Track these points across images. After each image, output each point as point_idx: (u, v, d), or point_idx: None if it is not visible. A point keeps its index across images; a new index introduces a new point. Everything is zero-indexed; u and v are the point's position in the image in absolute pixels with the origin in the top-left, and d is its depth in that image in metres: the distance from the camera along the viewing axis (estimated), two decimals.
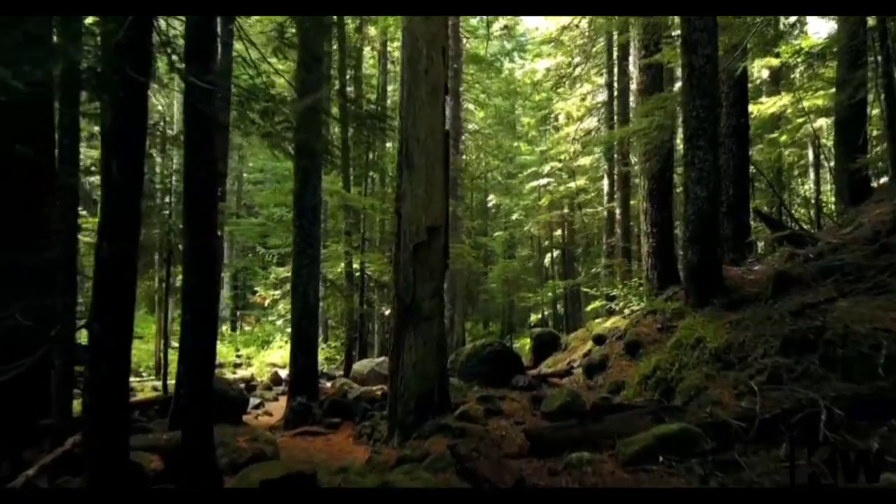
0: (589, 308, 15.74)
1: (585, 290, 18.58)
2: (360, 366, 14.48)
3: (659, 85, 11.13)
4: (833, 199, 17.21)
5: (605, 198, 21.06)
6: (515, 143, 29.19)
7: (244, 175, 32.72)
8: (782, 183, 19.84)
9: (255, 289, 26.00)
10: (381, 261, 17.38)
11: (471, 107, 28.89)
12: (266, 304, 24.23)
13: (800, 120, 15.49)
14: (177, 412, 8.88)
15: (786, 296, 5.65)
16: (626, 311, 11.35)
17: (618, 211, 19.63)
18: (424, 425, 6.23)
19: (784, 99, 14.70)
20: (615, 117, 20.60)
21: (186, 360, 6.71)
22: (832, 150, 18.10)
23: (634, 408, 4.61)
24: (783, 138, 15.67)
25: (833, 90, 14.03)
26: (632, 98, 13.78)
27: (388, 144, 19.77)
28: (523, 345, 30.73)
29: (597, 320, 13.50)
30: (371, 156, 18.33)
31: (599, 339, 10.71)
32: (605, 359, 9.11)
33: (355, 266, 16.84)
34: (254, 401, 14.65)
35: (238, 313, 28.79)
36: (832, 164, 18.26)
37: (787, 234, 8.17)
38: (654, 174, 11.18)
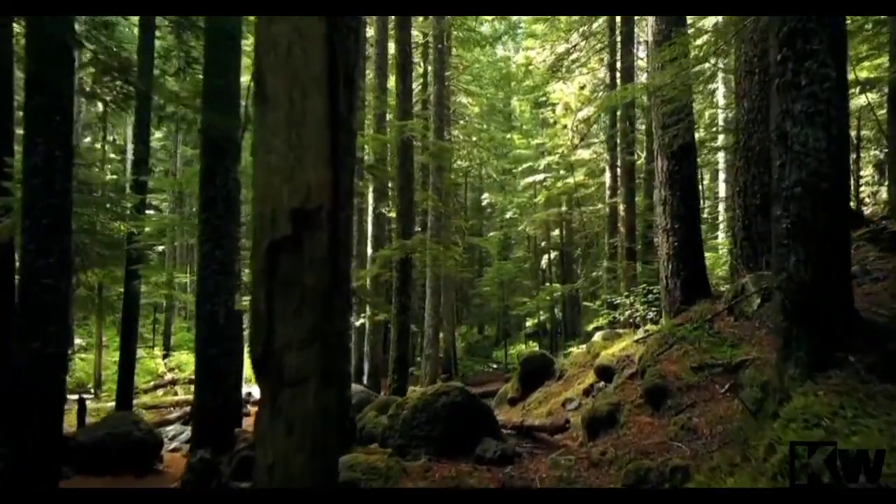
0: (590, 327, 12.58)
1: (586, 303, 15.41)
2: None
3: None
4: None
5: (607, 192, 17.94)
6: (509, 135, 26.01)
7: None
8: None
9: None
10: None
11: (463, 100, 25.76)
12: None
13: None
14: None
15: None
16: (640, 332, 8.22)
17: (621, 207, 16.64)
18: None
19: None
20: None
21: None
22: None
23: None
24: None
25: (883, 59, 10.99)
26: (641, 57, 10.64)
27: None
28: (519, 352, 27.54)
29: (598, 335, 10.30)
30: None
31: (604, 372, 7.57)
32: (616, 409, 5.98)
33: None
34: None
35: None
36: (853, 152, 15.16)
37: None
38: (675, 150, 8.07)
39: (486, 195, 29.51)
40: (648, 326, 8.69)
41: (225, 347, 7.80)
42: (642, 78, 21.66)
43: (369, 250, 15.62)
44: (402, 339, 12.01)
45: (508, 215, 25.41)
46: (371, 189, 16.11)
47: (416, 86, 23.13)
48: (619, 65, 16.76)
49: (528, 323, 24.98)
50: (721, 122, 17.29)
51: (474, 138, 26.00)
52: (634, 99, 19.88)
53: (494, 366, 25.89)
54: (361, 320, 15.37)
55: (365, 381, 15.64)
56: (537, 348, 25.99)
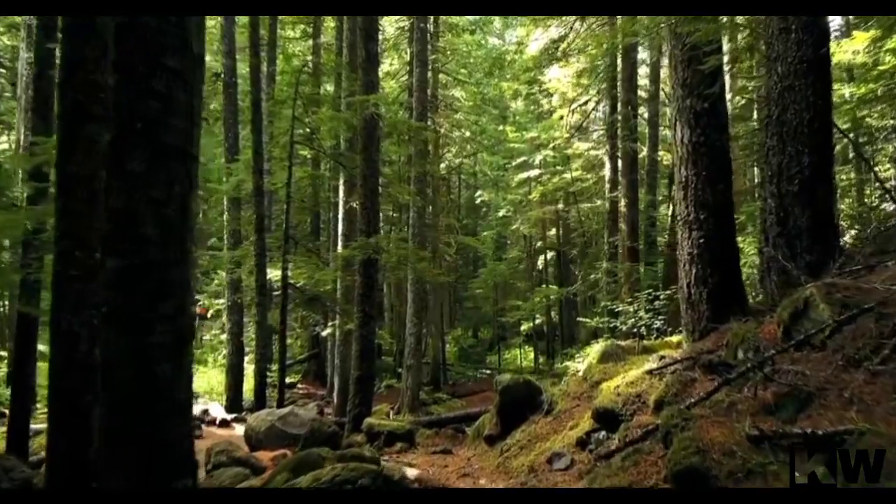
0: (585, 351, 10.26)
1: (581, 319, 13.11)
2: (257, 420, 9.10)
3: None
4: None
5: (607, 186, 15.63)
6: (502, 128, 23.64)
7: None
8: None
9: (196, 298, 20.69)
10: (311, 265, 11.98)
11: (455, 93, 23.44)
12: (209, 315, 18.92)
13: (882, 67, 9.93)
14: None
15: None
16: (655, 358, 5.88)
17: (622, 202, 14.39)
18: None
19: (862, 37, 9.24)
20: (619, 84, 15.22)
21: None
22: None
23: None
24: (861, 92, 10.12)
25: None
26: None
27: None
28: (513, 357, 25.16)
29: (594, 352, 7.90)
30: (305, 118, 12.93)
31: (605, 418, 5.26)
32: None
33: (274, 274, 11.48)
34: None
35: None
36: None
37: None
38: (700, 112, 5.78)
39: (479, 192, 27.19)
40: (665, 351, 6.35)
41: (88, 378, 5.49)
42: (645, 69, 19.34)
43: (340, 250, 13.34)
44: (366, 355, 9.71)
45: (501, 213, 23.08)
46: (342, 181, 13.86)
47: (403, 76, 20.89)
48: (620, 48, 14.44)
49: (524, 327, 22.65)
50: (730, 110, 14.98)
51: (467, 133, 23.68)
52: (637, 88, 17.58)
53: (488, 371, 23.62)
54: (329, 329, 13.08)
55: (335, 399, 13.39)
56: (532, 354, 23.66)
